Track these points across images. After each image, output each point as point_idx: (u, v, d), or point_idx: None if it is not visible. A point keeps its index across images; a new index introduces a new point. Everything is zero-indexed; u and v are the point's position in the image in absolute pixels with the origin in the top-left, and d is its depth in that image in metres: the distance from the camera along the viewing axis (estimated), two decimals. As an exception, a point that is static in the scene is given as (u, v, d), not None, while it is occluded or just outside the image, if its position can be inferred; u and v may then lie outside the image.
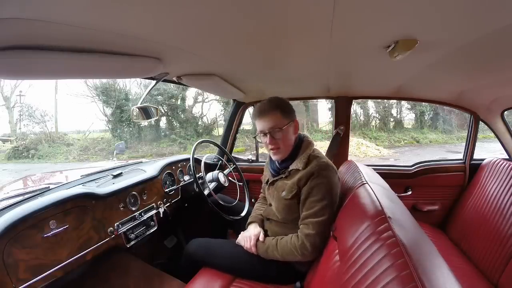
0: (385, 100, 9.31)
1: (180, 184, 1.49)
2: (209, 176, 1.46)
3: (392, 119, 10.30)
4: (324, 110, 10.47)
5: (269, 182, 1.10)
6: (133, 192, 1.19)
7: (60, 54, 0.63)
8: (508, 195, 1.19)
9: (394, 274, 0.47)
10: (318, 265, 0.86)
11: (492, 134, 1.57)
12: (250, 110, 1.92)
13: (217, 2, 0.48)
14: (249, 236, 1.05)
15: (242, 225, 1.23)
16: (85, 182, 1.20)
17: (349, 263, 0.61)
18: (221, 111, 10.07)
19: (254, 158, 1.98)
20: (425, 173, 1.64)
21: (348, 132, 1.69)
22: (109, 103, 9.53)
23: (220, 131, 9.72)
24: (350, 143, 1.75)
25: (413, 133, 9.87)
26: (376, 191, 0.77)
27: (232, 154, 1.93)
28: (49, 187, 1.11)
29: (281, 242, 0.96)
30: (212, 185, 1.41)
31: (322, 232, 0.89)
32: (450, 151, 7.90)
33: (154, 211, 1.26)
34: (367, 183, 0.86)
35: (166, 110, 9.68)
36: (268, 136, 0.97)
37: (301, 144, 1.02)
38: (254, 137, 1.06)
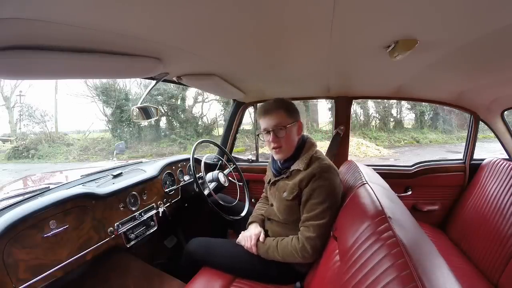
0: (385, 100, 9.31)
1: (180, 184, 1.49)
2: (209, 176, 1.46)
3: (392, 119, 10.30)
4: (324, 110, 10.49)
5: (270, 182, 1.10)
6: (133, 192, 1.19)
7: (60, 54, 0.63)
8: (508, 195, 1.19)
9: (395, 274, 0.47)
10: (318, 265, 0.86)
11: (492, 134, 1.57)
12: (250, 110, 1.92)
13: (217, 2, 0.48)
14: (249, 236, 1.05)
15: (242, 225, 1.23)
16: (85, 182, 1.20)
17: (349, 263, 0.61)
18: (221, 111, 10.08)
19: (254, 158, 1.98)
20: (425, 173, 1.64)
21: (348, 132, 1.69)
22: (109, 103, 9.54)
23: (220, 131, 9.72)
24: (350, 143, 1.75)
25: (413, 133, 9.87)
26: (376, 191, 0.77)
27: (232, 154, 1.93)
28: (49, 187, 1.11)
29: (282, 243, 0.96)
30: (212, 185, 1.41)
31: (323, 234, 0.89)
32: (450, 151, 7.90)
33: (154, 211, 1.26)
34: (367, 183, 0.86)
35: (166, 110, 9.68)
36: (271, 134, 0.98)
37: (304, 145, 1.02)
38: (257, 135, 1.07)
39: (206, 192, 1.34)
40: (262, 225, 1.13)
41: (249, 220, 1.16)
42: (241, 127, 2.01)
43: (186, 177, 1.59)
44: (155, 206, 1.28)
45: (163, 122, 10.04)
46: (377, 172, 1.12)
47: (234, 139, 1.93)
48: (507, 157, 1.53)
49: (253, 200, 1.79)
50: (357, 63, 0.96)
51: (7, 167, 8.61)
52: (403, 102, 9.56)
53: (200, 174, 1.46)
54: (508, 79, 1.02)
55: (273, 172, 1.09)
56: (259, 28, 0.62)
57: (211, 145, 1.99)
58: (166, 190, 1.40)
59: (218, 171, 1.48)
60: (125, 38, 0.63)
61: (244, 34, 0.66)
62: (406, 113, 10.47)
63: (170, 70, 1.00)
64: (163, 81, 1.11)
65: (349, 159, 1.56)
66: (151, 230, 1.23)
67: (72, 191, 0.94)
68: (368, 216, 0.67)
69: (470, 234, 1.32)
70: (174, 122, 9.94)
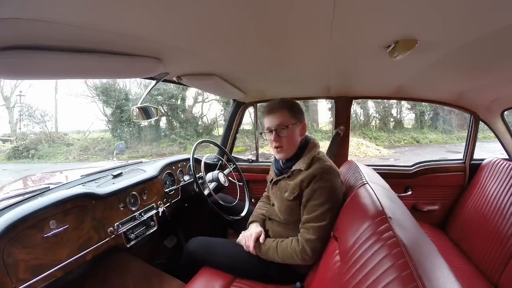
0: (385, 100, 9.31)
1: (180, 184, 1.49)
2: (209, 176, 1.46)
3: (392, 119, 10.31)
4: (324, 110, 10.49)
5: (272, 182, 1.10)
6: (133, 192, 1.18)
7: (60, 54, 0.63)
8: (508, 195, 1.19)
9: (395, 274, 0.47)
10: (318, 265, 0.86)
11: (492, 134, 1.57)
12: (250, 110, 1.92)
13: (217, 2, 0.48)
14: (249, 235, 1.05)
15: (242, 225, 1.23)
16: (85, 182, 1.20)
17: (349, 263, 0.61)
18: (221, 111, 10.08)
19: (254, 158, 1.98)
20: (425, 173, 1.64)
21: (348, 132, 1.69)
22: (109, 103, 9.53)
23: (220, 131, 9.73)
24: (350, 143, 1.75)
25: (413, 133, 9.87)
26: (376, 191, 0.77)
27: (232, 154, 1.93)
28: (49, 187, 1.11)
29: (282, 245, 0.96)
30: (212, 185, 1.41)
31: (323, 236, 0.88)
32: (450, 151, 7.91)
33: (154, 211, 1.26)
34: (368, 183, 0.85)
35: (166, 110, 9.68)
36: (273, 133, 0.98)
37: (307, 145, 1.02)
38: (260, 133, 1.07)
39: (206, 192, 1.34)
40: (263, 224, 1.13)
41: (250, 220, 1.16)
42: (241, 127, 2.01)
43: (186, 177, 1.59)
44: (155, 206, 1.28)
45: (163, 122, 10.04)
46: (377, 172, 1.12)
47: (234, 139, 1.93)
48: (507, 157, 1.53)
49: (253, 200, 1.79)
50: (357, 63, 0.96)
51: (7, 167, 8.61)
52: (403, 102, 9.56)
53: (200, 174, 1.46)
54: (508, 79, 1.02)
55: (275, 171, 1.10)
56: (259, 28, 0.62)
57: (211, 145, 1.99)
58: (166, 190, 1.40)
59: (218, 171, 1.48)
60: (125, 38, 0.63)
61: (244, 34, 0.66)
62: (406, 113, 10.49)
63: (170, 70, 1.00)
64: (163, 81, 1.11)
65: (349, 159, 1.56)
66: (151, 230, 1.23)
67: (72, 191, 0.94)
68: (368, 216, 0.67)
69: (470, 234, 1.32)
70: (174, 122, 9.94)
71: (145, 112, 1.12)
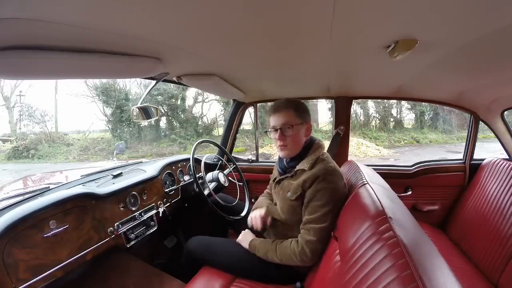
0: (385, 100, 9.32)
1: (180, 184, 1.49)
2: (209, 176, 1.46)
3: (392, 119, 10.31)
4: (324, 110, 10.50)
5: (275, 181, 1.10)
6: (133, 192, 1.18)
7: (60, 54, 0.63)
8: (508, 195, 1.19)
9: (395, 274, 0.47)
10: (318, 265, 0.86)
11: (492, 134, 1.57)
12: (250, 110, 1.92)
13: (217, 2, 0.48)
14: (255, 217, 1.07)
15: (242, 225, 1.23)
16: (85, 182, 1.20)
17: (350, 263, 0.61)
18: (221, 111, 10.08)
19: (254, 158, 1.98)
20: (425, 173, 1.64)
21: (348, 132, 1.69)
22: (109, 103, 9.53)
23: (220, 131, 9.73)
24: (350, 143, 1.75)
25: (413, 133, 9.87)
26: (377, 192, 0.77)
27: (232, 154, 1.93)
28: (49, 187, 1.11)
29: (281, 246, 0.96)
30: (212, 185, 1.41)
31: (323, 238, 0.88)
32: (450, 151, 7.91)
33: (154, 211, 1.26)
34: (368, 183, 0.85)
35: (166, 110, 9.68)
36: (278, 132, 0.99)
37: (312, 146, 1.02)
38: (266, 132, 1.08)
39: (206, 192, 1.34)
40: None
41: (253, 208, 1.17)
42: (241, 127, 2.01)
43: (186, 177, 1.59)
44: (155, 206, 1.28)
45: (163, 122, 10.04)
46: (377, 172, 1.12)
47: (234, 139, 1.93)
48: (507, 157, 1.53)
49: (253, 200, 1.79)
50: (357, 63, 0.96)
51: (7, 167, 8.61)
52: (403, 102, 9.56)
53: (200, 174, 1.46)
54: (508, 79, 1.02)
55: (278, 170, 1.10)
56: (259, 28, 0.62)
57: (211, 145, 1.99)
58: (166, 190, 1.40)
59: (218, 171, 1.48)
60: (125, 38, 0.63)
61: (244, 34, 0.66)
62: (406, 113, 10.49)
63: (170, 70, 1.00)
64: (163, 81, 1.11)
65: (349, 159, 1.56)
66: (151, 230, 1.23)
67: (72, 191, 0.94)
68: (369, 216, 0.67)
69: (470, 234, 1.32)
70: (174, 122, 9.94)
71: (145, 112, 1.12)
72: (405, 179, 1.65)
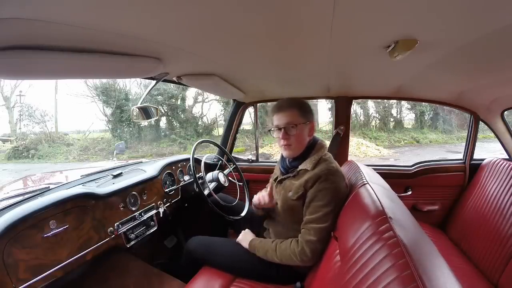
0: (385, 100, 9.32)
1: (180, 184, 1.49)
2: (209, 176, 1.46)
3: (392, 119, 10.31)
4: (324, 110, 10.49)
5: (277, 180, 1.10)
6: (133, 192, 1.18)
7: (60, 54, 0.63)
8: (508, 195, 1.19)
9: (395, 274, 0.47)
10: (318, 265, 0.86)
11: (492, 134, 1.57)
12: (250, 110, 1.92)
13: (217, 2, 0.48)
14: (262, 196, 1.09)
15: (242, 225, 1.23)
16: (85, 182, 1.20)
17: (350, 263, 0.61)
18: (221, 111, 10.08)
19: (254, 158, 1.98)
20: (425, 173, 1.64)
21: (348, 132, 1.69)
22: (109, 103, 9.54)
23: (220, 131, 9.73)
24: (350, 143, 1.75)
25: (413, 133, 9.88)
26: (377, 191, 0.77)
27: (232, 154, 1.93)
28: (49, 187, 1.11)
29: (281, 246, 0.96)
30: (212, 185, 1.41)
31: (324, 238, 0.88)
32: (450, 151, 7.91)
33: (154, 211, 1.26)
34: (368, 183, 0.85)
35: (166, 110, 9.68)
36: (282, 131, 0.99)
37: (314, 146, 1.03)
38: (269, 131, 1.08)
39: (206, 192, 1.34)
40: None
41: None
42: (241, 127, 2.01)
43: (186, 177, 1.59)
44: (155, 206, 1.28)
45: (163, 122, 10.04)
46: (377, 172, 1.12)
47: (234, 139, 1.93)
48: (507, 157, 1.53)
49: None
50: (357, 63, 0.96)
51: (7, 167, 8.61)
52: (403, 102, 9.56)
53: (200, 174, 1.46)
54: (508, 79, 1.02)
55: (280, 170, 1.10)
56: (259, 28, 0.62)
57: (211, 145, 1.99)
58: (166, 190, 1.40)
59: (218, 171, 1.48)
60: (125, 38, 0.63)
61: (244, 34, 0.66)
62: (406, 113, 10.50)
63: (170, 70, 1.00)
64: (163, 81, 1.11)
65: (349, 159, 1.56)
66: (151, 230, 1.23)
67: (72, 191, 0.94)
68: (369, 216, 0.67)
69: (470, 234, 1.32)
70: (174, 122, 9.94)
71: (145, 112, 1.12)
72: (405, 179, 1.65)
